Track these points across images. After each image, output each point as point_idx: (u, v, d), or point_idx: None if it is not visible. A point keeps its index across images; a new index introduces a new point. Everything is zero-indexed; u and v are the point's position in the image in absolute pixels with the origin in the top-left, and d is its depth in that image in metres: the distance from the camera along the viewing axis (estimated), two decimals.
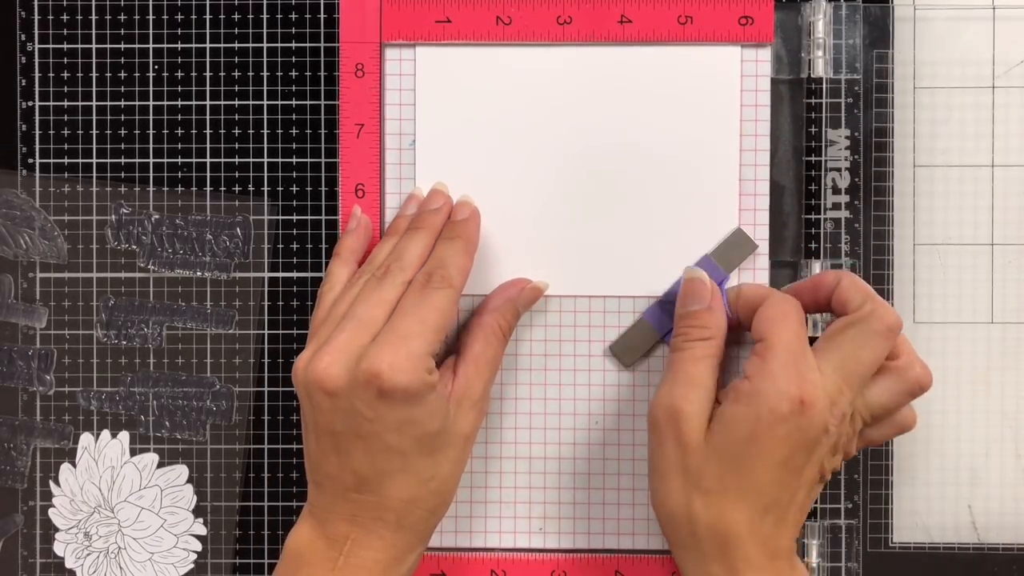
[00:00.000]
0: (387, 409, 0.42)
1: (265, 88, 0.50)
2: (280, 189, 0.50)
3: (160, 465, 0.50)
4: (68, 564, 0.50)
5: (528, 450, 0.50)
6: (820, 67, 0.48)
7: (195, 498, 0.50)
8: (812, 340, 0.48)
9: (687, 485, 0.42)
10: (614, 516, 0.49)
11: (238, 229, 0.50)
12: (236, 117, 0.50)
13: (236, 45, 0.50)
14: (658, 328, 0.49)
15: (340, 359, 0.42)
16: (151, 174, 0.50)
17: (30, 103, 0.50)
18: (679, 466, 0.42)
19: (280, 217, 0.50)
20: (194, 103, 0.50)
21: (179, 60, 0.50)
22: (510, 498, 0.50)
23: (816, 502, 0.48)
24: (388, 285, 0.44)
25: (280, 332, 0.50)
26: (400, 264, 0.45)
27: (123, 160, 0.50)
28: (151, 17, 0.50)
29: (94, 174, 0.50)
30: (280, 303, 0.50)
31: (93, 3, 0.50)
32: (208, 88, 0.50)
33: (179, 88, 0.50)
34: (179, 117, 0.50)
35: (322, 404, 0.42)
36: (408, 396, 0.41)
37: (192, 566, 0.50)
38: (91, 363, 0.50)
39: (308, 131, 0.50)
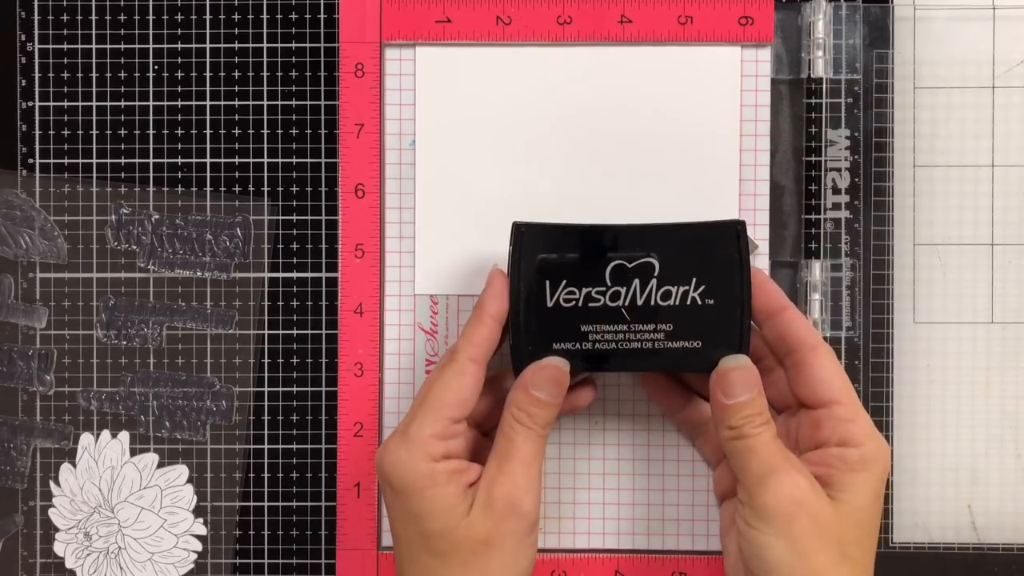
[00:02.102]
0: (393, 499, 0.41)
1: (265, 88, 0.50)
2: (280, 189, 0.50)
3: (160, 465, 0.50)
4: (68, 564, 0.50)
5: None
6: (820, 67, 0.48)
7: (195, 498, 0.50)
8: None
9: (837, 560, 0.40)
10: (614, 516, 0.49)
11: (238, 229, 0.50)
12: (236, 117, 0.50)
13: (236, 45, 0.50)
14: None
15: (385, 454, 0.42)
16: (151, 174, 0.50)
17: (30, 103, 0.50)
18: (822, 544, 0.40)
19: (280, 217, 0.50)
20: (194, 103, 0.50)
21: (179, 60, 0.50)
22: None
23: None
24: (442, 365, 0.43)
25: (280, 332, 0.50)
26: (450, 349, 0.44)
27: (123, 160, 0.50)
28: (151, 17, 0.50)
29: (94, 174, 0.50)
30: (280, 303, 0.50)
31: (93, 3, 0.50)
32: (208, 88, 0.50)
33: (179, 88, 0.50)
34: (179, 117, 0.50)
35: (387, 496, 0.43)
36: (403, 488, 0.41)
37: (192, 566, 0.50)
38: (91, 363, 0.50)
39: (308, 131, 0.50)
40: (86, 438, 0.50)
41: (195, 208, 0.50)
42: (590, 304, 0.43)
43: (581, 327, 0.43)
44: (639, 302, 0.43)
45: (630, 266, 0.43)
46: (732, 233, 0.43)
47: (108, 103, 0.50)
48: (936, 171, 0.49)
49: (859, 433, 0.41)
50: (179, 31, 0.50)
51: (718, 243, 0.43)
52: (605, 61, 0.49)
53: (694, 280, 0.43)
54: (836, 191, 0.48)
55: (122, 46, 0.50)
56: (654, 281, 0.43)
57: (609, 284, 0.43)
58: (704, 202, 0.49)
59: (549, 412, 0.42)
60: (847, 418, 0.41)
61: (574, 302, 0.43)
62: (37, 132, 0.50)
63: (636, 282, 0.43)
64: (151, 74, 0.50)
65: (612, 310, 0.43)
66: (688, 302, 0.43)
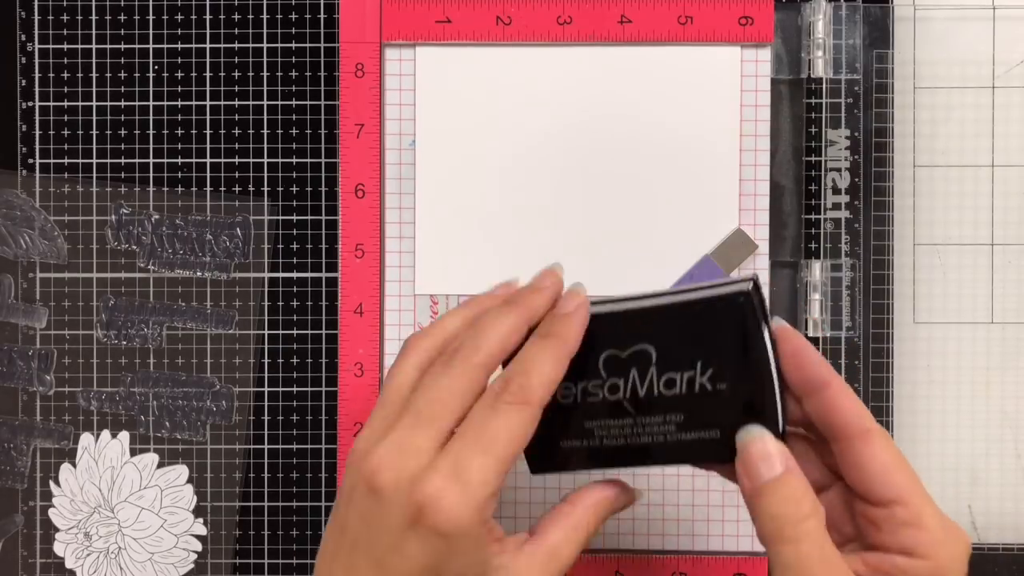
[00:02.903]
0: (418, 546, 0.34)
1: (265, 88, 0.50)
2: (280, 189, 0.50)
3: (160, 465, 0.50)
4: (68, 564, 0.50)
5: None
6: (820, 67, 0.48)
7: (195, 498, 0.50)
8: (809, 337, 0.48)
9: None
10: (614, 516, 0.49)
11: (238, 229, 0.50)
12: (236, 117, 0.50)
13: (236, 45, 0.50)
14: None
15: (393, 463, 0.34)
16: (151, 174, 0.50)
17: (30, 103, 0.50)
18: None
19: (280, 217, 0.50)
20: (194, 103, 0.50)
21: (179, 60, 0.50)
22: (510, 498, 0.50)
23: None
24: (458, 371, 0.35)
25: (280, 332, 0.50)
26: (475, 343, 0.36)
27: (123, 160, 0.50)
28: (151, 17, 0.50)
29: (94, 174, 0.50)
30: (280, 303, 0.50)
31: (93, 3, 0.50)
32: (208, 88, 0.50)
33: (179, 88, 0.50)
34: (179, 117, 0.50)
35: (360, 504, 0.35)
36: (448, 542, 0.34)
37: (192, 566, 0.50)
38: (91, 363, 0.50)
39: (308, 131, 0.50)
40: (86, 438, 0.50)
41: (195, 208, 0.50)
42: (589, 399, 0.38)
43: (584, 424, 0.38)
44: (641, 393, 0.37)
45: (624, 356, 0.37)
46: (737, 306, 0.35)
47: (108, 103, 0.50)
48: (936, 171, 0.49)
49: (927, 540, 0.33)
50: (179, 31, 0.50)
51: (721, 318, 0.36)
52: (605, 61, 0.49)
53: (699, 364, 0.36)
54: (836, 191, 0.48)
55: (122, 46, 0.50)
56: (653, 369, 0.37)
57: (604, 376, 0.38)
58: (704, 202, 0.49)
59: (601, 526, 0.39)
60: (911, 521, 0.34)
61: (572, 398, 0.38)
62: (37, 132, 0.50)
63: (633, 372, 0.37)
64: (151, 74, 0.50)
65: (613, 404, 0.37)
66: (696, 389, 0.36)
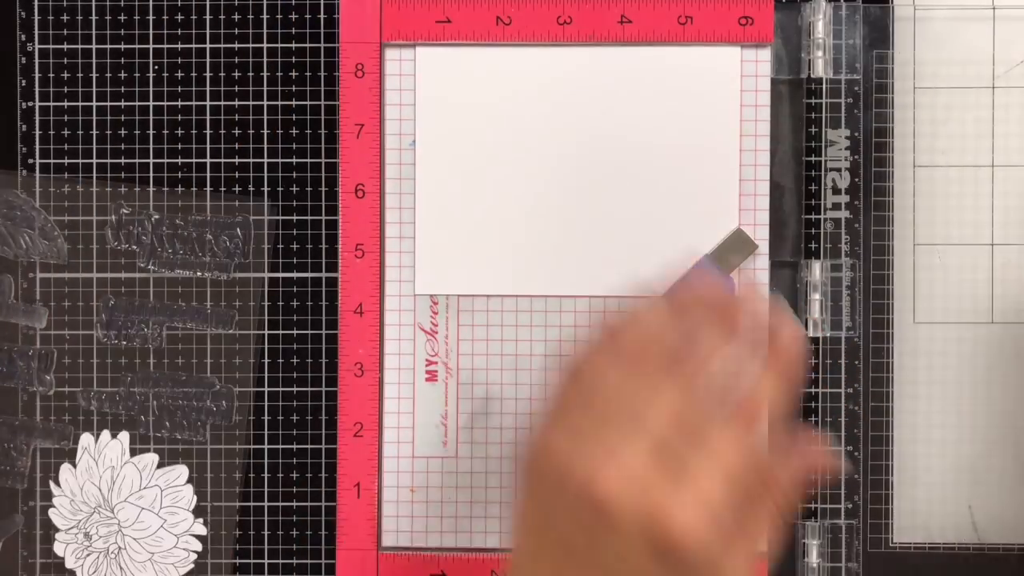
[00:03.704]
0: (647, 558, 0.32)
1: (265, 88, 0.50)
2: (280, 189, 0.50)
3: (160, 465, 0.50)
4: (68, 564, 0.50)
5: None
6: (820, 67, 0.48)
7: (195, 498, 0.50)
8: (810, 337, 0.48)
9: None
10: None
11: (238, 229, 0.50)
12: (236, 117, 0.50)
13: (236, 45, 0.50)
14: None
15: (627, 482, 0.31)
16: (151, 174, 0.50)
17: (30, 103, 0.50)
18: None
19: (280, 217, 0.50)
20: (194, 103, 0.50)
21: (179, 60, 0.50)
22: (510, 498, 0.50)
23: (816, 501, 0.49)
24: (681, 385, 0.34)
25: (280, 332, 0.50)
26: (698, 362, 0.34)
27: (123, 160, 0.50)
28: (151, 17, 0.50)
29: (94, 174, 0.50)
30: (280, 303, 0.50)
31: (93, 3, 0.50)
32: (208, 88, 0.50)
33: (179, 88, 0.50)
34: (179, 117, 0.50)
35: (573, 508, 0.32)
36: (681, 554, 0.31)
37: (192, 566, 0.50)
38: (91, 363, 0.50)
39: (308, 131, 0.50)
40: (86, 438, 0.50)
41: (195, 208, 0.50)
42: None
43: None
44: None
45: None
46: None
47: (108, 103, 0.50)
48: (936, 171, 0.49)
49: None
50: (179, 31, 0.50)
51: None
52: (605, 61, 0.49)
53: None
54: (836, 191, 0.48)
55: (122, 46, 0.50)
56: None
57: None
58: (704, 202, 0.49)
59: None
60: None
61: None
62: (37, 132, 0.50)
63: None
64: (151, 74, 0.50)
65: None
66: None
